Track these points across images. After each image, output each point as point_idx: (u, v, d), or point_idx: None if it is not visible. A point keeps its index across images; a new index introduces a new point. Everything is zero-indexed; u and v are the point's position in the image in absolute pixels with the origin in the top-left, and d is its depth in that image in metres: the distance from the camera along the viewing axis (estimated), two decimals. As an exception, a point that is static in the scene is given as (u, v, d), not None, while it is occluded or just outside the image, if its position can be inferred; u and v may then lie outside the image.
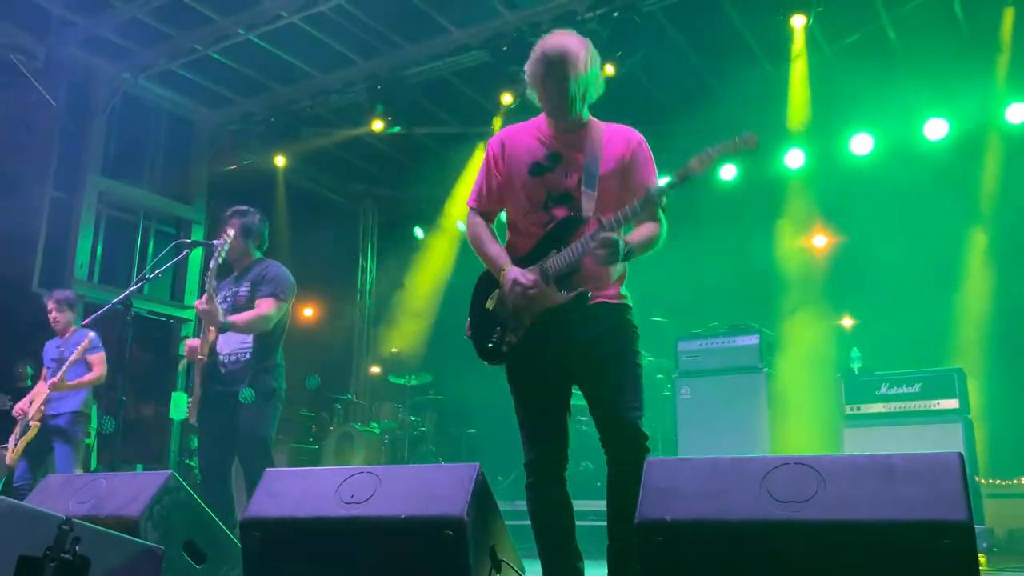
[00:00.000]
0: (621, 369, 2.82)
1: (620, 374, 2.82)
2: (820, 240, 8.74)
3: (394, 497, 2.74)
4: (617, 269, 2.93)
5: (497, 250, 2.95)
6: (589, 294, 2.80)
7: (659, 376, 7.69)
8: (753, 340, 6.83)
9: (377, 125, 8.26)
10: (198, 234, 8.98)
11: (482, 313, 2.95)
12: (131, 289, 4.56)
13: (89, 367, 5.87)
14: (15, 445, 5.62)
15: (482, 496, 2.75)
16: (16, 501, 2.27)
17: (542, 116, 2.99)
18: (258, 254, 4.61)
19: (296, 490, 2.91)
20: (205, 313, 4.16)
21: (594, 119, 2.99)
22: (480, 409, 9.22)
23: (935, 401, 6.26)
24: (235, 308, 4.39)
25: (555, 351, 2.86)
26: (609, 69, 6.96)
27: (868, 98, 8.11)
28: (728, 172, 8.79)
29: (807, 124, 8.26)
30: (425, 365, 9.47)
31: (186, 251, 4.77)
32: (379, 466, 2.89)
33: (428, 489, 2.74)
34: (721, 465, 2.38)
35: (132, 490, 3.31)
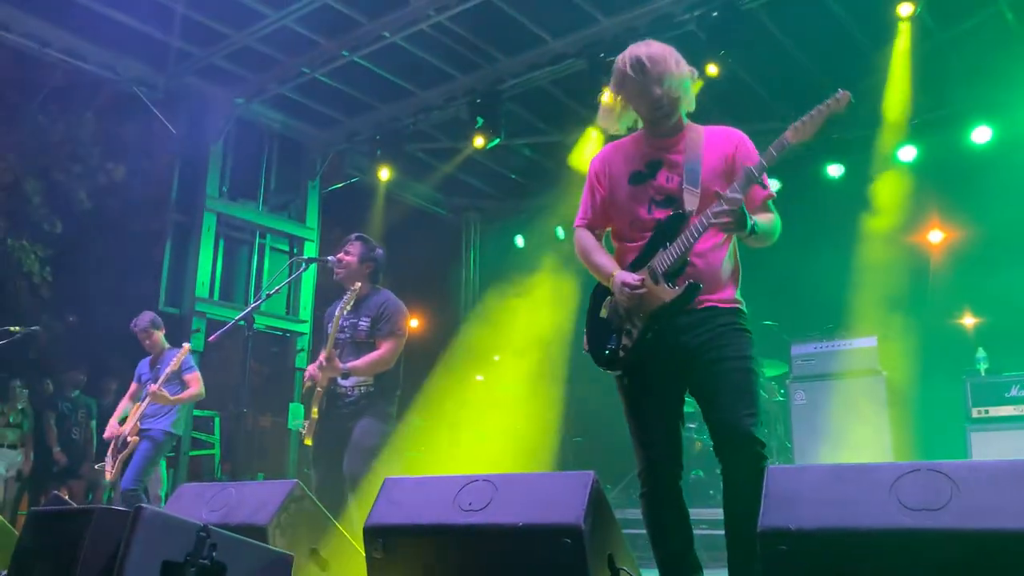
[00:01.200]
0: (733, 375, 2.77)
1: (732, 380, 2.77)
2: (936, 236, 8.36)
3: (511, 505, 2.77)
4: (727, 270, 2.89)
5: (605, 259, 2.97)
6: (700, 287, 2.74)
7: (769, 381, 7.52)
8: (871, 342, 6.59)
9: (479, 142, 8.36)
10: (311, 250, 9.29)
11: (597, 323, 2.96)
12: (253, 306, 4.74)
13: (185, 386, 5.97)
14: (114, 461, 5.84)
15: (598, 504, 2.75)
16: (159, 509, 2.41)
17: (639, 132, 3.00)
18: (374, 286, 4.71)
19: (415, 497, 2.98)
20: (327, 369, 4.33)
21: (693, 123, 2.95)
22: (587, 417, 9.21)
23: (1075, 403, 5.90)
24: (354, 340, 4.52)
25: (666, 358, 2.83)
26: (712, 70, 6.89)
27: (985, 86, 7.74)
28: (836, 170, 8.53)
29: (920, 115, 7.94)
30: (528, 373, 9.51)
31: (303, 268, 4.95)
32: (495, 474, 2.92)
33: (544, 497, 2.75)
34: (847, 472, 2.31)
35: (260, 499, 3.45)
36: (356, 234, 4.77)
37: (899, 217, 8.26)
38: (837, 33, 7.49)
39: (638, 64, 2.78)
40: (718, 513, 5.98)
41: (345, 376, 4.40)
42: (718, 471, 7.28)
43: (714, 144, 2.89)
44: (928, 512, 2.11)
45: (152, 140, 8.59)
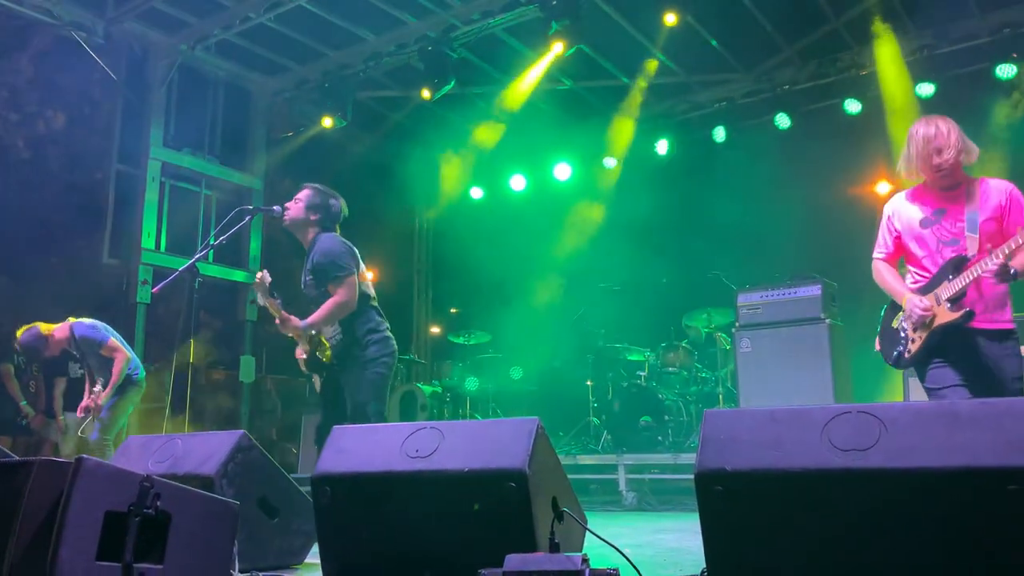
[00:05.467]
0: (1006, 394, 3.30)
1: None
2: (883, 187, 8.50)
3: (457, 451, 2.81)
4: (1004, 297, 3.46)
5: (897, 284, 3.64)
6: (974, 314, 3.34)
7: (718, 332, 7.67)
8: (815, 291, 6.71)
9: (425, 93, 8.28)
10: (258, 200, 9.14)
11: (890, 331, 3.65)
12: (196, 257, 4.63)
13: (110, 361, 5.83)
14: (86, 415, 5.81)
15: (542, 449, 2.80)
16: (101, 460, 2.39)
17: (925, 183, 3.64)
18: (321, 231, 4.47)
19: (363, 446, 3.00)
20: (287, 329, 4.24)
21: (970, 177, 3.54)
22: (540, 366, 9.29)
23: (1007, 349, 6.10)
24: (308, 297, 4.40)
25: (957, 370, 3.41)
26: (671, 19, 7.05)
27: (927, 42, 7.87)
28: (783, 120, 8.54)
29: (867, 68, 8.03)
30: (484, 324, 9.55)
31: (248, 217, 4.84)
32: (442, 421, 2.95)
33: (490, 443, 2.80)
34: (781, 415, 2.37)
35: (207, 449, 3.45)
36: (308, 183, 4.60)
37: (849, 168, 8.39)
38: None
39: (922, 140, 3.51)
40: (666, 458, 6.10)
41: (307, 333, 4.24)
42: (666, 418, 7.38)
43: (991, 197, 3.50)
44: (857, 452, 2.18)
45: (93, 87, 8.29)
